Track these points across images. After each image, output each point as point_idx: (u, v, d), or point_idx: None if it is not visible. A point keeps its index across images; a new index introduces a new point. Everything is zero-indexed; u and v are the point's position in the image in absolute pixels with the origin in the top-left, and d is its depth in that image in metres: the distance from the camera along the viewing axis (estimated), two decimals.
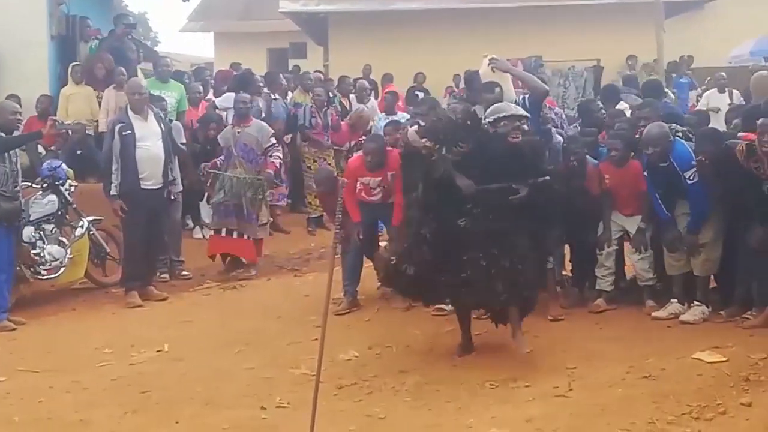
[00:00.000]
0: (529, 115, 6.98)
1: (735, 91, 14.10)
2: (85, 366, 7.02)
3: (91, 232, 9.74)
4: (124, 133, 8.98)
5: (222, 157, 10.31)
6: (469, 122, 6.75)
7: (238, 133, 10.19)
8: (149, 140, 9.10)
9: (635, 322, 7.53)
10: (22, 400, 6.26)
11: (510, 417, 5.40)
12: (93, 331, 8.16)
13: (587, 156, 8.05)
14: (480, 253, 6.37)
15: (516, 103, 7.60)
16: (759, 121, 7.00)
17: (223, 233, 10.12)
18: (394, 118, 11.73)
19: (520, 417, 5.41)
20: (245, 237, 10.12)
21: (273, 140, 10.34)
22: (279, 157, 10.40)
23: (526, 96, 7.72)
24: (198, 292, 9.61)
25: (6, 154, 8.42)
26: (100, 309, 9.03)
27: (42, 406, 6.10)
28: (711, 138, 7.42)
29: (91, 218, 9.74)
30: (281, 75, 14.61)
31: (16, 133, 8.79)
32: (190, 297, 9.42)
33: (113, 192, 9.01)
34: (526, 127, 6.75)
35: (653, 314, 7.57)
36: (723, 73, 15.45)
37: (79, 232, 9.57)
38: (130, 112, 9.18)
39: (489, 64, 7.88)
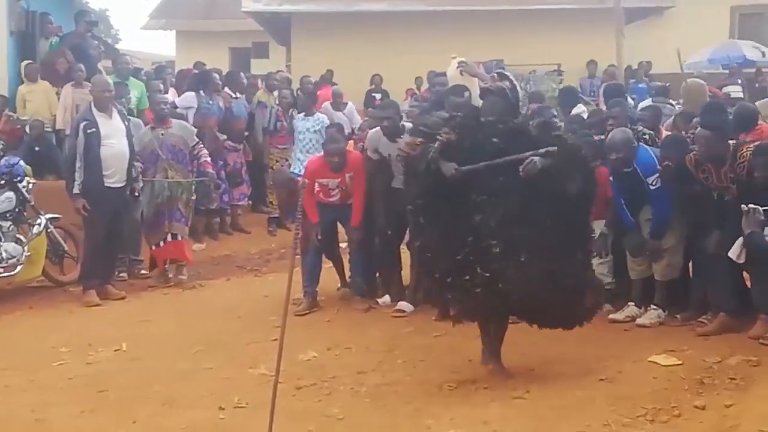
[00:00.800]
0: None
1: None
2: (42, 365, 6.96)
3: (48, 230, 9.67)
4: (89, 131, 8.91)
5: (140, 165, 9.62)
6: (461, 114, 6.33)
7: (162, 135, 9.85)
8: (114, 138, 9.04)
9: (592, 324, 7.46)
10: None
11: (468, 418, 5.43)
12: (50, 329, 8.08)
13: None
14: (500, 247, 5.78)
15: None
16: (696, 132, 7.13)
17: (161, 243, 9.78)
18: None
19: (478, 418, 5.44)
20: (178, 237, 9.79)
21: (196, 138, 10.14)
22: (206, 154, 10.11)
23: None
24: (156, 291, 9.56)
25: None
26: (58, 307, 8.97)
27: None
28: (677, 144, 7.47)
29: (48, 216, 9.66)
30: (242, 74, 14.58)
31: None
32: (149, 296, 9.37)
33: (76, 190, 8.94)
34: (507, 86, 6.29)
35: (610, 317, 7.63)
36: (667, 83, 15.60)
37: (36, 229, 9.49)
38: (94, 110, 9.11)
39: (458, 67, 7.89)
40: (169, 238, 9.74)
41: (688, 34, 20.41)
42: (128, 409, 5.87)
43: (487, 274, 5.78)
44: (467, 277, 5.84)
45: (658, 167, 7.31)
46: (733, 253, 6.79)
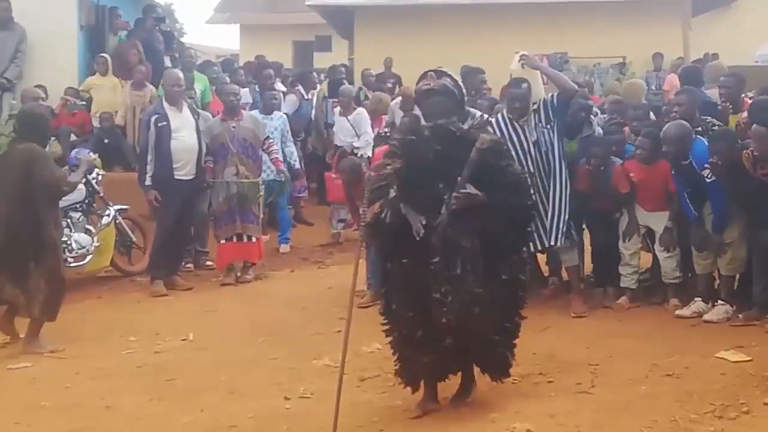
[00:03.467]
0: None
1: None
2: (111, 353, 7.10)
3: (117, 221, 9.83)
4: (159, 125, 9.09)
5: (210, 159, 9.55)
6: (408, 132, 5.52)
7: (233, 128, 9.57)
8: (184, 131, 9.20)
9: (658, 320, 7.52)
10: (49, 385, 6.33)
11: (533, 412, 5.41)
12: (118, 319, 8.23)
13: (612, 156, 8.03)
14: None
15: (545, 101, 7.60)
16: (752, 128, 7.00)
17: (234, 239, 9.58)
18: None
19: (542, 412, 5.42)
20: (252, 239, 9.65)
21: (267, 132, 10.10)
22: (277, 150, 10.13)
23: (555, 94, 7.66)
24: (223, 283, 9.61)
25: None
26: (126, 297, 9.12)
27: (69, 392, 6.18)
28: (725, 138, 7.33)
29: (117, 207, 9.82)
30: (314, 73, 14.64)
31: None
32: (214, 287, 9.46)
33: (148, 182, 9.12)
34: (449, 83, 5.70)
35: (677, 312, 7.57)
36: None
37: (105, 220, 9.65)
38: (165, 104, 9.32)
39: (519, 60, 7.85)
40: (243, 239, 9.57)
41: (758, 24, 20.11)
42: (195, 398, 5.96)
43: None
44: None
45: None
46: None
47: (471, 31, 19.10)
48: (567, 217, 7.62)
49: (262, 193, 9.90)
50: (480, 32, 18.76)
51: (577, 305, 7.83)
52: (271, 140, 10.05)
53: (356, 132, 11.88)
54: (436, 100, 5.59)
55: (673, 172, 7.60)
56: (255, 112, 10.85)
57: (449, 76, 5.73)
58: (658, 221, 7.88)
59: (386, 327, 5.45)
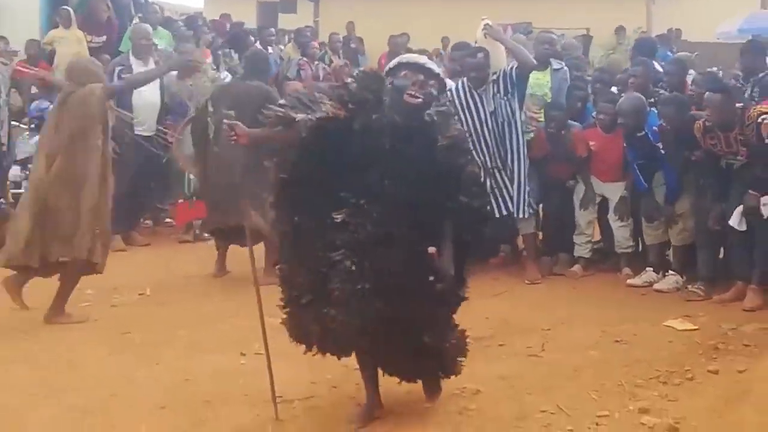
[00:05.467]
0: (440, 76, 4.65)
1: None
2: (68, 306, 7.08)
3: None
4: (123, 76, 9.03)
5: (169, 118, 9.60)
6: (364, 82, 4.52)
7: (191, 86, 9.53)
8: (146, 86, 9.13)
9: (610, 288, 7.69)
10: (4, 337, 6.36)
11: (483, 374, 5.51)
12: None
13: (571, 121, 8.14)
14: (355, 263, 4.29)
15: (504, 73, 7.66)
16: (705, 96, 7.07)
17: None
18: None
19: (493, 374, 5.52)
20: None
21: None
22: None
23: (514, 66, 7.72)
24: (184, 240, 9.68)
25: None
26: None
27: (24, 346, 6.18)
28: (675, 104, 7.38)
29: None
30: (271, 29, 14.58)
31: None
32: (173, 245, 9.50)
33: None
34: (434, 91, 4.50)
35: (628, 281, 7.73)
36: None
37: None
38: (131, 56, 9.26)
39: (483, 30, 7.90)
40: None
41: (719, 2, 20.27)
42: (152, 352, 6.00)
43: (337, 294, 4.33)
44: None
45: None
46: (734, 221, 6.87)
47: None
48: (528, 187, 7.75)
49: None
50: None
51: (531, 272, 7.96)
52: None
53: None
54: (414, 113, 4.45)
55: (625, 144, 7.72)
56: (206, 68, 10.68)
57: (434, 76, 4.50)
58: (614, 191, 8.02)
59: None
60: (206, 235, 9.38)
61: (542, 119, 8.17)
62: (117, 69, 9.15)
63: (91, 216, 6.60)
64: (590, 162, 8.01)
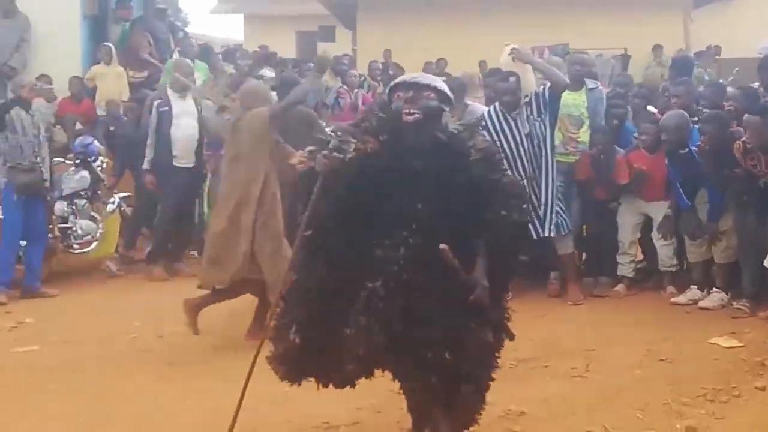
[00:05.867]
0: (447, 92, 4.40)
1: None
2: (116, 337, 7.22)
3: (122, 208, 9.95)
4: (161, 110, 9.21)
5: (210, 152, 9.58)
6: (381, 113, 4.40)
7: (228, 119, 9.25)
8: (184, 119, 9.32)
9: (654, 307, 7.66)
10: (56, 369, 6.45)
11: (527, 396, 5.52)
12: (123, 304, 8.39)
13: (614, 146, 8.13)
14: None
15: (536, 94, 7.70)
16: (744, 118, 7.06)
17: None
18: None
19: (537, 396, 5.52)
20: None
21: None
22: None
23: (546, 87, 7.76)
24: None
25: (21, 125, 8.65)
26: (130, 283, 9.24)
27: (75, 376, 6.29)
28: (715, 122, 7.34)
29: (122, 195, 9.93)
30: (310, 64, 14.72)
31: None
32: None
33: (146, 166, 9.24)
34: (434, 102, 4.25)
35: (672, 299, 7.69)
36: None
37: (110, 207, 9.77)
38: (169, 90, 9.41)
39: (510, 54, 7.96)
40: None
41: (760, 17, 20.13)
42: (198, 382, 6.06)
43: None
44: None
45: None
46: None
47: (473, 22, 19.18)
48: (558, 207, 7.74)
49: None
50: (482, 24, 18.83)
51: (573, 293, 7.95)
52: None
53: None
54: (421, 128, 4.23)
55: (668, 162, 7.70)
56: None
57: (432, 89, 4.28)
58: (658, 210, 7.99)
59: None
60: None
61: (581, 138, 8.18)
62: (156, 103, 9.30)
63: (260, 235, 6.77)
64: (642, 184, 7.96)
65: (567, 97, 8.02)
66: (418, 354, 4.09)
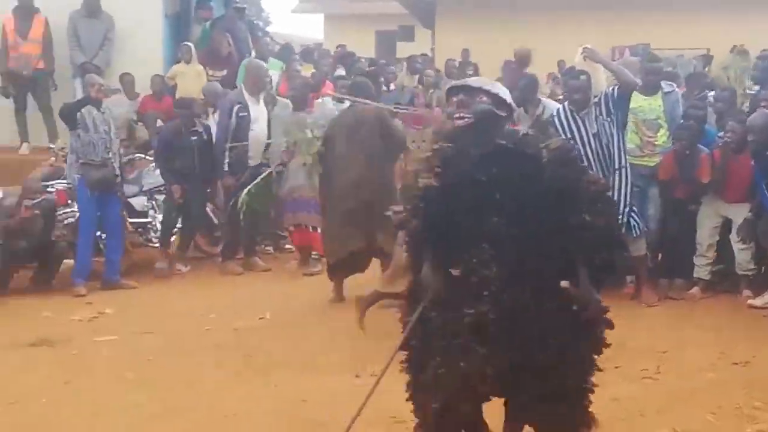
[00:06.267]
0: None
1: None
2: (192, 329, 7.37)
3: None
4: (240, 115, 9.39)
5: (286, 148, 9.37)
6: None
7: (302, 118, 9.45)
8: (258, 123, 9.51)
9: (729, 310, 7.55)
10: (133, 359, 6.63)
11: (598, 396, 5.43)
12: (199, 297, 8.58)
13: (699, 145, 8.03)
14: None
15: (606, 94, 7.65)
16: None
17: (303, 227, 9.34)
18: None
19: (607, 396, 5.48)
20: (310, 229, 9.28)
21: None
22: None
23: (616, 87, 7.70)
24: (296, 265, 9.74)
25: (93, 123, 8.86)
26: (207, 276, 9.43)
27: (151, 365, 6.46)
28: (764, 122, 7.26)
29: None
30: (392, 67, 14.84)
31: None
32: (293, 270, 9.63)
33: (225, 169, 9.42)
34: (485, 106, 4.03)
35: (749, 302, 7.58)
36: None
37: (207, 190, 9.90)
38: (245, 93, 9.55)
39: (582, 53, 7.94)
40: (310, 228, 9.29)
41: None
42: (271, 374, 6.18)
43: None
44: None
45: None
46: None
47: (553, 21, 19.09)
48: (631, 208, 7.68)
49: None
50: (561, 23, 18.74)
51: (647, 296, 7.88)
52: None
53: None
54: (474, 132, 3.99)
55: (753, 162, 7.59)
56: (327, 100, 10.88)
57: (484, 92, 4.07)
58: (738, 212, 7.86)
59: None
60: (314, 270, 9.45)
61: (658, 142, 8.11)
62: (235, 108, 9.45)
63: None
64: (723, 184, 7.85)
65: (642, 101, 8.02)
66: (537, 380, 3.89)
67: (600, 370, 4.18)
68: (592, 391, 4.19)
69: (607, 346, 4.11)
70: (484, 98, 4.03)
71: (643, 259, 7.97)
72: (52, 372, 6.37)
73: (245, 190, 9.34)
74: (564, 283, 3.74)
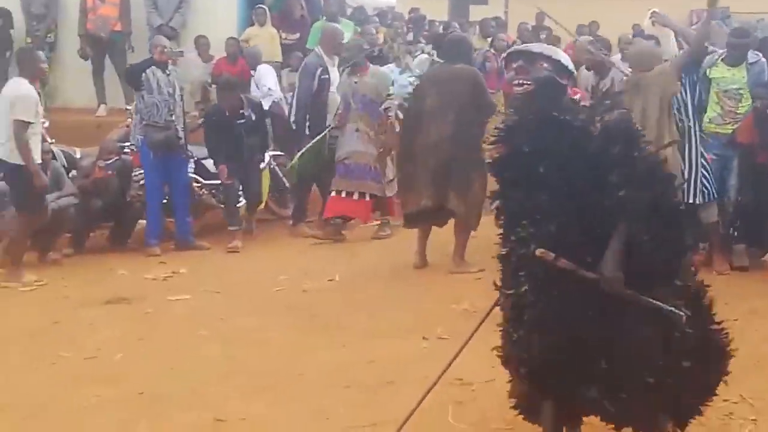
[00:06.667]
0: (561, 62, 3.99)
1: None
2: (263, 290, 7.51)
3: (271, 166, 10.23)
4: (322, 77, 9.51)
5: (341, 111, 9.44)
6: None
7: (356, 83, 9.30)
8: (333, 85, 9.55)
9: None
10: (206, 317, 6.78)
11: None
12: (270, 259, 8.72)
13: None
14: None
15: (676, 58, 7.55)
16: None
17: (344, 195, 9.20)
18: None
19: None
20: (366, 197, 9.20)
21: (392, 89, 9.61)
22: (394, 107, 9.24)
23: (685, 51, 7.60)
24: (366, 229, 9.80)
25: (157, 84, 9.01)
26: (278, 239, 9.56)
27: (224, 324, 6.61)
28: None
29: (272, 153, 10.21)
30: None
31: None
32: (360, 233, 9.72)
33: (307, 132, 9.54)
34: (545, 72, 3.88)
35: None
36: None
37: (261, 166, 10.05)
38: (325, 57, 9.64)
39: (650, 18, 7.85)
40: (355, 195, 9.20)
41: None
42: (338, 334, 6.28)
43: None
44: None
45: None
46: None
47: None
48: (704, 172, 7.58)
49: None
50: None
51: (719, 263, 7.79)
52: (393, 96, 9.45)
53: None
54: (533, 98, 3.86)
55: None
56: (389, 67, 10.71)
57: (545, 58, 3.92)
58: None
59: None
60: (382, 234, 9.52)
61: (740, 112, 7.98)
62: (318, 70, 9.56)
63: None
64: None
65: (726, 72, 7.93)
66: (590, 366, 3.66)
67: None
68: (661, 388, 3.72)
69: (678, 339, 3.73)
70: (545, 64, 3.88)
71: (714, 226, 7.88)
72: (128, 328, 6.57)
73: (297, 154, 9.49)
74: (539, 251, 3.59)
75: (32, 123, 7.72)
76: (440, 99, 7.78)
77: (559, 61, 3.92)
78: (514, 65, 3.94)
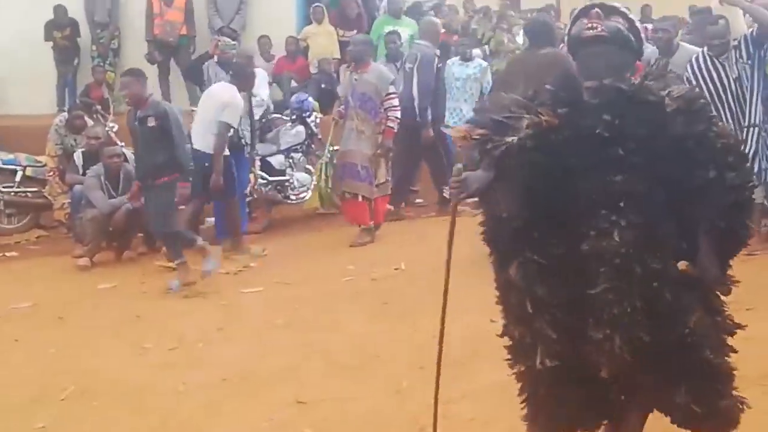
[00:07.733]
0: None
1: None
2: (332, 279, 7.76)
3: (334, 161, 10.45)
4: (438, 66, 10.01)
5: (342, 108, 9.28)
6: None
7: (356, 80, 9.02)
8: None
9: None
10: (280, 307, 7.07)
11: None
12: (337, 249, 8.94)
13: None
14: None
15: (745, 37, 7.56)
16: None
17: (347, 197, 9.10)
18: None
19: (740, 336, 5.51)
20: (359, 198, 9.00)
21: (392, 89, 9.08)
22: (395, 107, 8.97)
23: (755, 29, 7.56)
24: (431, 218, 10.06)
25: (216, 80, 9.30)
26: (341, 230, 9.74)
27: (297, 313, 6.88)
28: None
29: (333, 148, 10.43)
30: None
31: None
32: (424, 222, 9.95)
33: (429, 118, 9.85)
34: (622, 25, 3.53)
35: None
36: None
37: (323, 160, 10.28)
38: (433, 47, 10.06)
39: None
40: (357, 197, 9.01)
41: None
42: (408, 319, 6.46)
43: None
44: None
45: None
46: None
47: None
48: (766, 154, 7.61)
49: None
50: None
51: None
52: (394, 96, 9.04)
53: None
54: (602, 51, 3.47)
55: None
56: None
57: (621, 13, 3.59)
58: None
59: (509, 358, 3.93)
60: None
61: None
62: (435, 60, 9.95)
63: None
64: None
65: None
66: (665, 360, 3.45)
67: (734, 351, 3.77)
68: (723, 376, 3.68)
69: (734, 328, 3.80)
70: (620, 20, 3.55)
71: (758, 208, 7.82)
72: (206, 320, 6.87)
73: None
74: (681, 265, 3.33)
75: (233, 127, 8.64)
76: (528, 86, 7.69)
77: (634, 21, 3.62)
78: (591, 12, 3.53)
